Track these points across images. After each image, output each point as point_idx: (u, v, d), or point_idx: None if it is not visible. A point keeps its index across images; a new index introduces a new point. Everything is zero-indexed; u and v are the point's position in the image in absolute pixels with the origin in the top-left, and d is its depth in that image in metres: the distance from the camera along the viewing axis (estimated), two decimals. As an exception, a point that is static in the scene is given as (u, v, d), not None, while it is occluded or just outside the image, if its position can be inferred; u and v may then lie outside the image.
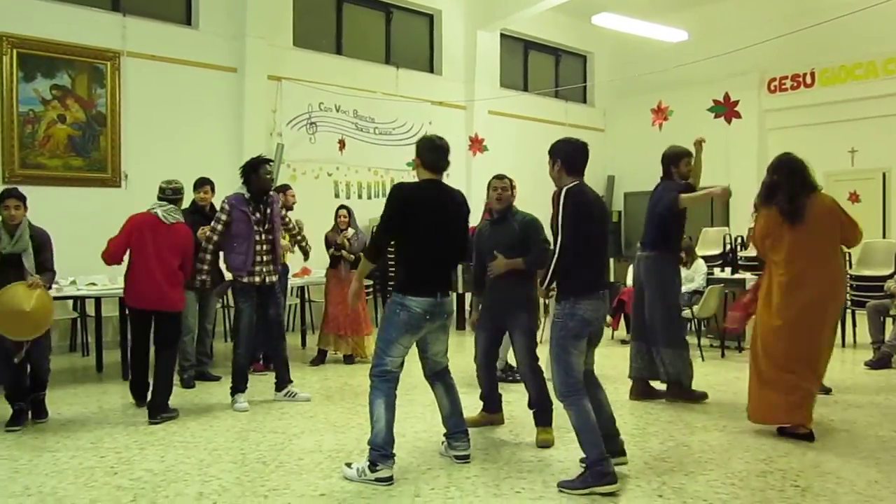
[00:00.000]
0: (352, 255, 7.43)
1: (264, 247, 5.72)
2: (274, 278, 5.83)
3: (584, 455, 3.83)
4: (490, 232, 5.01)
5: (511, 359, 5.58)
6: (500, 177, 5.02)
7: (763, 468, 4.13)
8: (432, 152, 4.17)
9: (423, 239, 4.03)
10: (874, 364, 7.13)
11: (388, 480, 3.90)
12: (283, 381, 5.97)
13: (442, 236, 4.08)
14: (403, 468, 4.15)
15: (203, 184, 6.77)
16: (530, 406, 4.82)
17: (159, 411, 5.25)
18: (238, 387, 5.71)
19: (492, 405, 5.15)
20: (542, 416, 4.73)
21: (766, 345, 4.77)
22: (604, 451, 3.79)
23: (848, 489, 3.78)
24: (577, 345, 3.90)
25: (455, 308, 10.56)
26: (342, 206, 7.72)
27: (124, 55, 9.06)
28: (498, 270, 4.72)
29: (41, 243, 5.14)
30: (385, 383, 4.02)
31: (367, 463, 3.93)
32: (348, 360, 7.63)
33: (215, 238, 5.77)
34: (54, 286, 5.85)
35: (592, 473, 3.75)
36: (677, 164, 5.75)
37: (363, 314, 7.66)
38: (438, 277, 4.09)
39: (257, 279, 5.69)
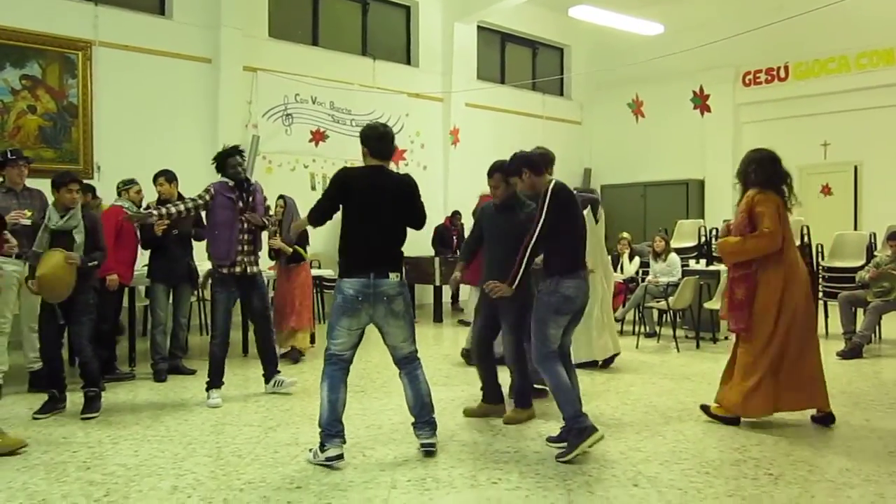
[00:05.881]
0: (287, 248, 7.22)
1: (246, 235, 5.65)
2: (255, 269, 5.74)
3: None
4: (495, 218, 5.01)
5: None
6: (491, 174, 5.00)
7: (737, 457, 4.18)
8: (378, 141, 4.30)
9: (357, 222, 4.14)
10: (846, 354, 7.23)
11: (338, 459, 4.00)
12: (270, 374, 5.92)
13: (378, 220, 4.13)
14: (380, 459, 4.15)
15: (158, 176, 6.64)
16: (510, 395, 5.12)
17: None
18: (213, 381, 5.56)
19: (492, 396, 5.16)
20: (521, 399, 5.02)
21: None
22: (579, 407, 4.12)
23: (820, 477, 3.83)
24: (556, 319, 4.21)
25: (432, 300, 10.68)
26: (279, 197, 7.35)
27: (96, 45, 8.94)
28: (504, 293, 4.41)
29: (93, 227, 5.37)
30: (330, 366, 4.14)
31: (319, 444, 4.04)
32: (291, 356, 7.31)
33: (182, 207, 5.55)
34: None
35: (575, 432, 4.06)
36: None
37: (298, 308, 7.36)
38: (372, 259, 4.09)
39: (237, 269, 5.61)
